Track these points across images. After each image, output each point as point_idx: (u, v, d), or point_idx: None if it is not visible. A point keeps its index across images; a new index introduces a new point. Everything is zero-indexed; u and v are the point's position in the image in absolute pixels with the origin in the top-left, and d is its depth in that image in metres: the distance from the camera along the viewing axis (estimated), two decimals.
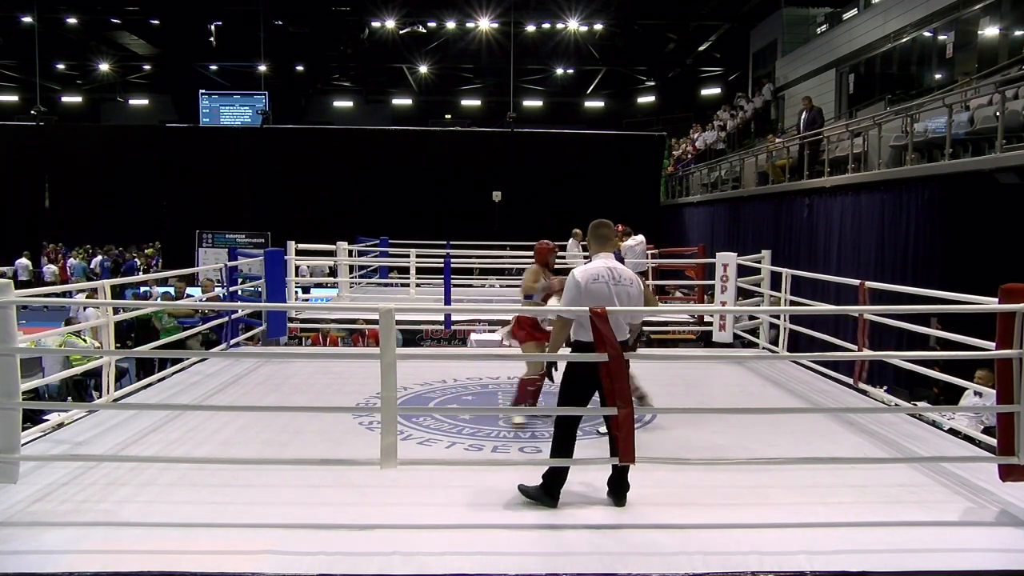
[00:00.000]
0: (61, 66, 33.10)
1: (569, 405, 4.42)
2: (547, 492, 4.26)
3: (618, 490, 4.30)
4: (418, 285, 13.67)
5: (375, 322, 4.35)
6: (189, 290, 13.58)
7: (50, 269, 21.68)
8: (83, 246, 23.07)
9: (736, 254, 9.79)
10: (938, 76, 15.91)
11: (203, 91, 30.33)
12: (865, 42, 18.60)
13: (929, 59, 16.74)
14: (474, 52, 29.92)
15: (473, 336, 10.93)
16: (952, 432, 5.85)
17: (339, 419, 6.00)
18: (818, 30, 22.82)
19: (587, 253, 4.83)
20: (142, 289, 15.19)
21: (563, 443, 4.36)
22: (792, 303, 8.35)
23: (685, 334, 11.40)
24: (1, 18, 27.67)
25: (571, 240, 15.06)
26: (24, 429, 4.64)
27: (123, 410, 6.07)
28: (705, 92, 32.44)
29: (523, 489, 4.29)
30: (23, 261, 21.75)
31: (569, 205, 20.52)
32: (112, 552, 3.63)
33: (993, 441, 4.41)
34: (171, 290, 13.29)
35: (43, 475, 4.54)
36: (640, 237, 12.94)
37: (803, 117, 15.47)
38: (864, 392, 6.94)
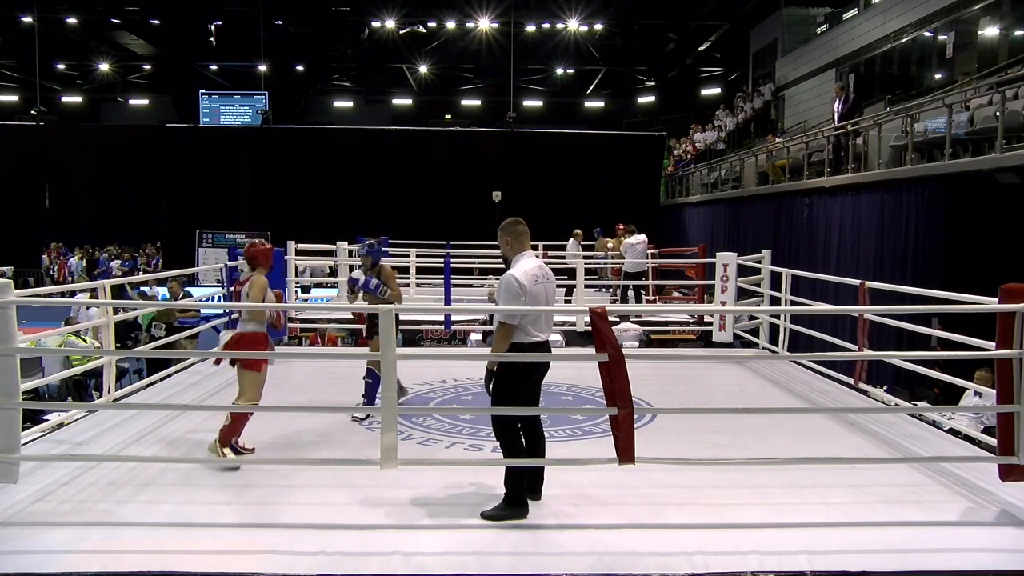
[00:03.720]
0: (61, 66, 33.10)
1: (504, 404, 4.30)
2: (512, 504, 4.11)
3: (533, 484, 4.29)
4: (418, 285, 13.66)
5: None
6: (187, 289, 13.56)
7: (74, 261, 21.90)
8: (83, 246, 23.08)
9: (736, 254, 9.78)
10: (938, 76, 15.90)
11: (203, 91, 30.33)
12: (865, 42, 18.60)
13: (929, 59, 16.73)
14: (474, 52, 29.92)
15: (473, 336, 10.93)
16: (952, 432, 5.85)
17: (339, 419, 6.00)
18: (818, 30, 22.83)
19: (576, 253, 4.78)
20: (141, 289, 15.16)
21: (513, 445, 4.24)
22: (792, 303, 8.35)
23: (685, 334, 11.40)
24: (1, 18, 27.67)
25: (572, 240, 15.06)
26: (24, 429, 4.64)
27: (123, 410, 6.08)
28: (705, 92, 32.43)
29: (486, 514, 4.09)
30: (74, 260, 21.94)
31: (569, 205, 20.52)
32: (112, 552, 3.63)
33: (993, 441, 4.42)
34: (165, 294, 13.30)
35: (43, 475, 4.54)
36: (642, 236, 12.94)
37: (837, 105, 14.23)
38: (864, 392, 6.94)
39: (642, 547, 3.79)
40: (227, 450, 4.85)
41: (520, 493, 4.14)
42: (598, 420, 5.81)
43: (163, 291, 13.77)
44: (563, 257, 14.04)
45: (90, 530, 3.88)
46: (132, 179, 23.87)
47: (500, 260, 15.83)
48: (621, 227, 14.31)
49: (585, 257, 12.90)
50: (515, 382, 4.30)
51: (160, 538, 3.82)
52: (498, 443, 4.35)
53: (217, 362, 5.16)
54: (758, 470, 4.80)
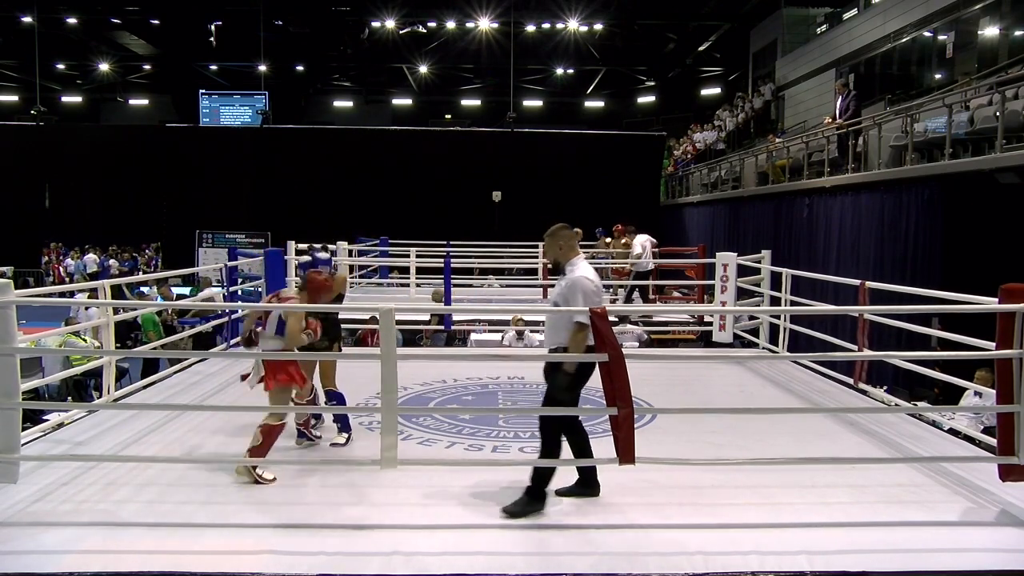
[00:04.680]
0: (61, 66, 33.12)
1: (565, 405, 4.38)
2: (535, 498, 4.17)
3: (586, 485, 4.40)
4: (418, 285, 13.66)
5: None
6: (209, 291, 13.61)
7: (91, 258, 21.90)
8: (82, 246, 23.10)
9: (736, 254, 9.78)
10: (938, 76, 15.91)
11: (203, 91, 30.35)
12: (865, 42, 18.61)
13: (929, 59, 16.74)
14: (474, 52, 29.94)
15: (473, 336, 10.94)
16: (952, 432, 5.85)
17: None
18: (818, 30, 22.84)
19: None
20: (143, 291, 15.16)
21: (556, 445, 4.34)
22: (792, 303, 8.35)
23: (685, 334, 11.40)
24: (1, 18, 27.68)
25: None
26: (24, 429, 4.64)
27: (123, 410, 6.07)
28: (705, 92, 32.45)
29: (509, 511, 4.13)
30: (91, 256, 21.94)
31: (569, 205, 20.51)
32: (112, 552, 3.63)
33: (993, 441, 4.41)
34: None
35: (43, 475, 4.54)
36: (645, 236, 12.90)
37: (838, 103, 13.83)
38: (864, 392, 6.94)
39: (642, 547, 3.79)
40: (260, 470, 4.60)
41: (543, 487, 4.20)
42: (598, 420, 5.81)
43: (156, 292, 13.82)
44: None
45: (90, 530, 3.88)
46: (132, 179, 23.90)
47: (499, 260, 15.75)
48: (619, 228, 14.30)
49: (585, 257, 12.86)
50: (579, 383, 4.41)
51: (160, 538, 3.82)
52: (541, 438, 4.39)
53: (243, 378, 5.05)
54: (758, 470, 4.79)
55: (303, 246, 9.19)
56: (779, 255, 12.03)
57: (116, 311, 6.71)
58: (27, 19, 26.58)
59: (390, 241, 16.06)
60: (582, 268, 4.42)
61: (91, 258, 21.87)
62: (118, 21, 29.25)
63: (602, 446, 4.68)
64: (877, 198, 11.20)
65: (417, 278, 13.59)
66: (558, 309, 4.33)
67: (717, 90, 31.60)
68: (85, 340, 9.35)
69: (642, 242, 12.69)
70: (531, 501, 4.17)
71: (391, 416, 4.15)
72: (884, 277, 9.64)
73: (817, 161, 13.81)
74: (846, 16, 20.86)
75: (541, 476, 4.24)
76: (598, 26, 28.33)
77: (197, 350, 9.31)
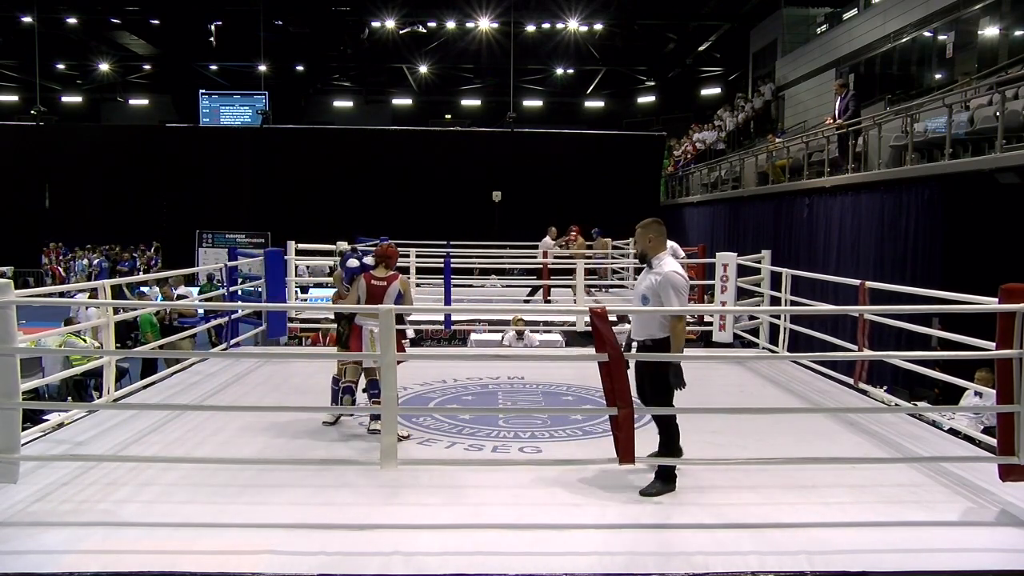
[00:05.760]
0: (61, 66, 33.12)
1: (671, 401, 4.59)
2: (667, 479, 4.46)
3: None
4: (418, 285, 13.65)
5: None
6: (181, 290, 13.62)
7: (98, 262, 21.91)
8: (83, 246, 23.10)
9: (736, 254, 9.78)
10: (938, 76, 15.91)
11: (203, 91, 30.35)
12: (865, 42, 18.61)
13: (929, 59, 16.74)
14: (474, 52, 29.94)
15: (473, 336, 10.94)
16: (952, 432, 5.85)
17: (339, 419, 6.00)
18: (818, 30, 22.85)
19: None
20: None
21: (677, 433, 4.59)
22: (792, 303, 8.35)
23: (685, 334, 11.38)
24: (1, 18, 27.68)
25: (547, 237, 15.05)
26: (24, 429, 4.64)
27: (123, 410, 6.07)
28: (705, 92, 32.45)
29: (645, 492, 4.40)
30: (96, 257, 21.92)
31: (569, 205, 20.53)
32: (112, 552, 3.63)
33: (993, 441, 4.42)
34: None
35: (43, 475, 4.54)
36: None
37: (838, 103, 13.63)
38: (864, 392, 6.94)
39: (642, 547, 3.79)
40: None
41: (672, 470, 4.50)
42: (598, 420, 5.81)
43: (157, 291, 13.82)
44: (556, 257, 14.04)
45: (90, 530, 3.88)
46: (132, 179, 23.90)
47: (499, 260, 15.72)
48: (576, 229, 14.37)
49: (586, 257, 12.92)
50: (667, 378, 4.61)
51: (160, 538, 3.82)
52: (663, 430, 4.61)
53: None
54: (758, 470, 4.80)
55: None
56: (779, 255, 12.02)
57: (116, 311, 6.71)
58: (27, 19, 26.57)
59: (390, 241, 16.03)
60: (671, 263, 4.66)
61: (98, 262, 21.84)
62: (118, 21, 29.25)
63: (602, 446, 4.68)
64: (877, 198, 11.20)
65: (417, 278, 13.58)
66: (648, 309, 4.59)
67: (717, 90, 31.61)
68: (85, 340, 9.35)
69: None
70: (664, 483, 4.43)
71: (391, 416, 4.15)
72: (884, 277, 9.64)
73: (817, 161, 13.81)
74: (846, 16, 20.86)
75: (669, 460, 4.50)
76: (598, 26, 28.34)
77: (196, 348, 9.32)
